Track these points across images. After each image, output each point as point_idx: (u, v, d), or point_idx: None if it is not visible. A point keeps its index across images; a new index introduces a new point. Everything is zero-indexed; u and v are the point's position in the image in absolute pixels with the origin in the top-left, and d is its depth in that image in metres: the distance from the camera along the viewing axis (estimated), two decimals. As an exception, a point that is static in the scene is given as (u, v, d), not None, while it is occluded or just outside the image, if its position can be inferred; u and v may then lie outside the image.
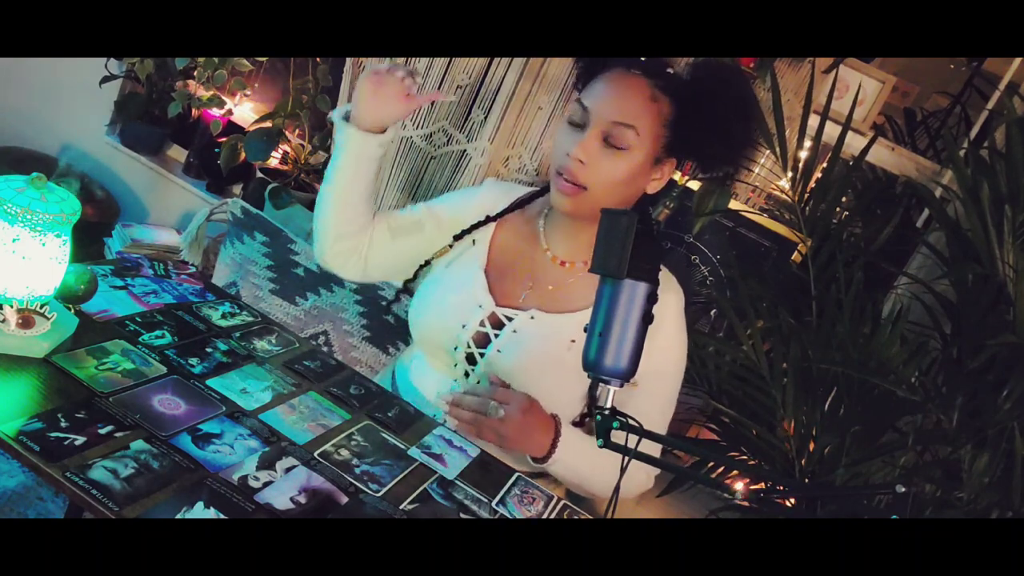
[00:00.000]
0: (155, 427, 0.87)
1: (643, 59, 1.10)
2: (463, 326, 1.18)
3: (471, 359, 1.18)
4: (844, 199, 1.86)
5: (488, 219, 1.25)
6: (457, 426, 1.13)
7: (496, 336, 1.16)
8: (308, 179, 2.50)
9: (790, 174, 1.74)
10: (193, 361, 1.04)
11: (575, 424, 1.20)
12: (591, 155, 1.08)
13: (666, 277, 1.21)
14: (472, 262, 1.22)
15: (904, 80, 2.37)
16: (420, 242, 1.28)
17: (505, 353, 1.15)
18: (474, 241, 1.25)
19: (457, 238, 1.25)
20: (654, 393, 1.18)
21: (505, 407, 1.07)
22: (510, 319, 1.17)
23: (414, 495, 0.95)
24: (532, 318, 1.17)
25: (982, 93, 2.11)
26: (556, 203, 1.13)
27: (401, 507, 0.92)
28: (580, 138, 1.08)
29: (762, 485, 1.65)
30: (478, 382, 1.18)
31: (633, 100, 1.08)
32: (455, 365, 1.19)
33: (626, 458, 0.82)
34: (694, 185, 2.01)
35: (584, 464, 1.13)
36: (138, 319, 1.09)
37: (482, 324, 1.17)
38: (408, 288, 1.34)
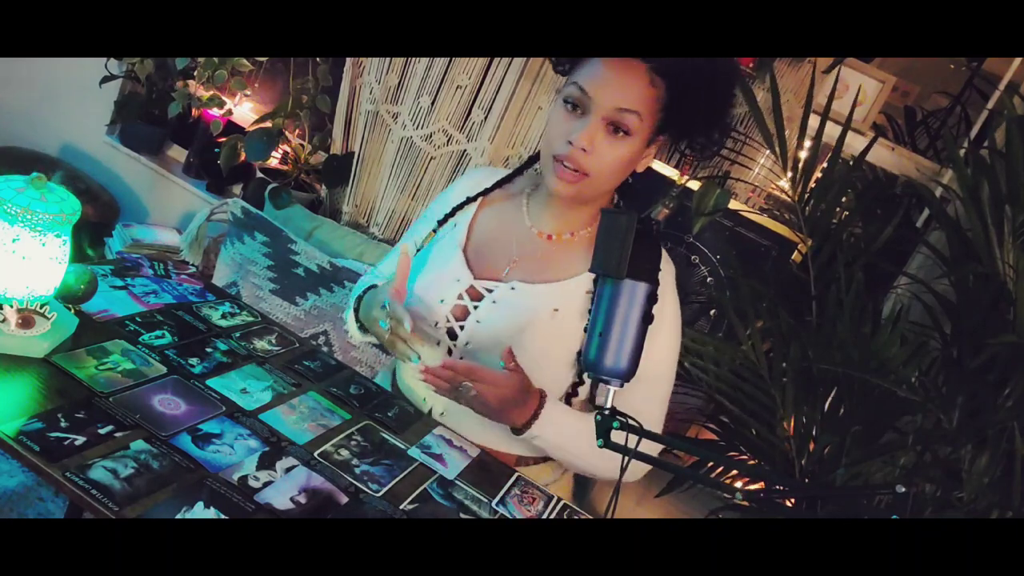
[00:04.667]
0: (155, 427, 0.87)
1: None
2: (441, 301, 1.18)
3: (452, 334, 1.18)
4: (844, 199, 1.86)
5: (468, 200, 1.26)
6: (435, 390, 1.09)
7: (476, 308, 1.16)
8: (308, 179, 2.50)
9: (790, 174, 1.74)
10: (193, 361, 1.04)
11: (568, 394, 1.19)
12: (595, 142, 1.08)
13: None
14: (451, 242, 1.23)
15: (904, 80, 2.37)
16: None
17: (485, 324, 1.15)
18: (455, 224, 1.25)
19: (441, 222, 1.26)
20: (652, 392, 1.18)
21: (478, 386, 1.04)
22: (490, 291, 1.17)
23: (414, 495, 0.95)
24: (513, 289, 1.17)
25: (982, 93, 2.11)
26: (556, 190, 1.12)
27: (401, 507, 0.92)
28: (581, 124, 1.08)
29: (762, 485, 1.65)
30: (461, 357, 1.17)
31: (635, 86, 1.07)
32: (438, 343, 1.19)
33: (627, 458, 0.81)
34: (694, 185, 2.01)
35: (566, 442, 1.12)
36: (138, 319, 1.09)
37: (460, 298, 1.17)
38: None
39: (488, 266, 1.20)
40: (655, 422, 1.19)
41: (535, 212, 1.22)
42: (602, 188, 1.14)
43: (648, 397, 1.17)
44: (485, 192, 1.26)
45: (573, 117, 1.09)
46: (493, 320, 1.15)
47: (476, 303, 1.17)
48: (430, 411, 1.21)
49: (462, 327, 1.17)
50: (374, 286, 1.27)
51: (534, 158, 1.28)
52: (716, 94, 1.10)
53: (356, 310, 1.27)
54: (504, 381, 1.06)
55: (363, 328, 1.26)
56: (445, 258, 1.22)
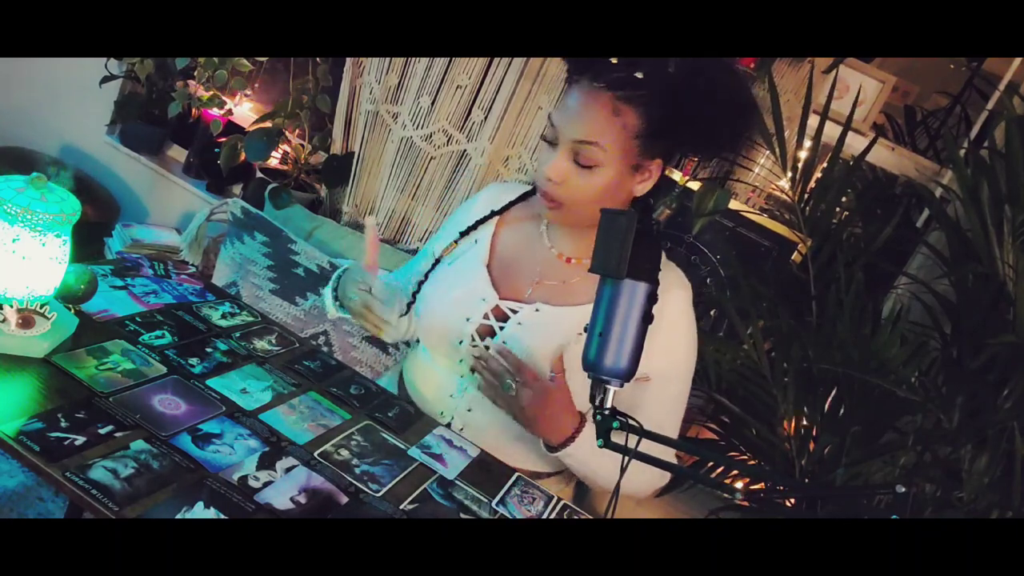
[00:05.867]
0: (155, 427, 0.87)
1: (614, 61, 1.06)
2: (467, 319, 1.18)
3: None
4: (844, 199, 1.86)
5: (493, 213, 1.25)
6: (479, 384, 1.13)
7: (501, 328, 1.17)
8: (308, 179, 2.50)
9: (790, 174, 1.74)
10: (193, 361, 1.04)
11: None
12: (562, 175, 1.08)
13: (673, 272, 1.20)
14: (474, 259, 1.23)
15: (904, 80, 2.37)
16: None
17: (511, 345, 1.15)
18: (476, 240, 1.25)
19: (463, 234, 1.26)
20: (662, 396, 1.18)
21: (523, 389, 1.07)
22: (515, 312, 1.17)
23: (414, 495, 0.95)
24: (537, 311, 1.17)
25: (982, 93, 2.11)
26: (547, 216, 1.16)
27: (401, 507, 0.92)
28: (551, 157, 1.09)
29: (762, 485, 1.65)
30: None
31: (595, 117, 1.05)
32: (460, 360, 1.19)
33: (626, 458, 0.81)
34: (694, 185, 2.01)
35: (597, 461, 1.14)
36: (138, 319, 1.09)
37: (486, 317, 1.18)
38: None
39: (511, 285, 1.20)
40: (669, 425, 1.19)
41: (554, 234, 1.22)
42: (584, 217, 1.10)
43: (659, 399, 1.17)
44: (506, 208, 1.26)
45: (549, 150, 1.10)
46: (518, 341, 1.15)
47: (502, 324, 1.17)
48: (449, 424, 1.21)
49: (487, 347, 1.17)
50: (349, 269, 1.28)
51: None
52: (716, 107, 1.04)
53: (335, 289, 1.28)
54: (548, 392, 1.08)
55: (343, 307, 1.26)
56: (469, 275, 1.21)
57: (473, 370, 1.15)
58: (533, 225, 1.24)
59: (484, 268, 1.21)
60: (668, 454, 1.17)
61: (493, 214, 1.26)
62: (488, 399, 1.14)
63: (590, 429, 1.12)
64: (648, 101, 1.05)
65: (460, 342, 1.18)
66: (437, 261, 1.27)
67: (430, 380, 1.25)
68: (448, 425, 1.20)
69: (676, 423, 1.21)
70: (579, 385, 1.12)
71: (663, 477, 1.25)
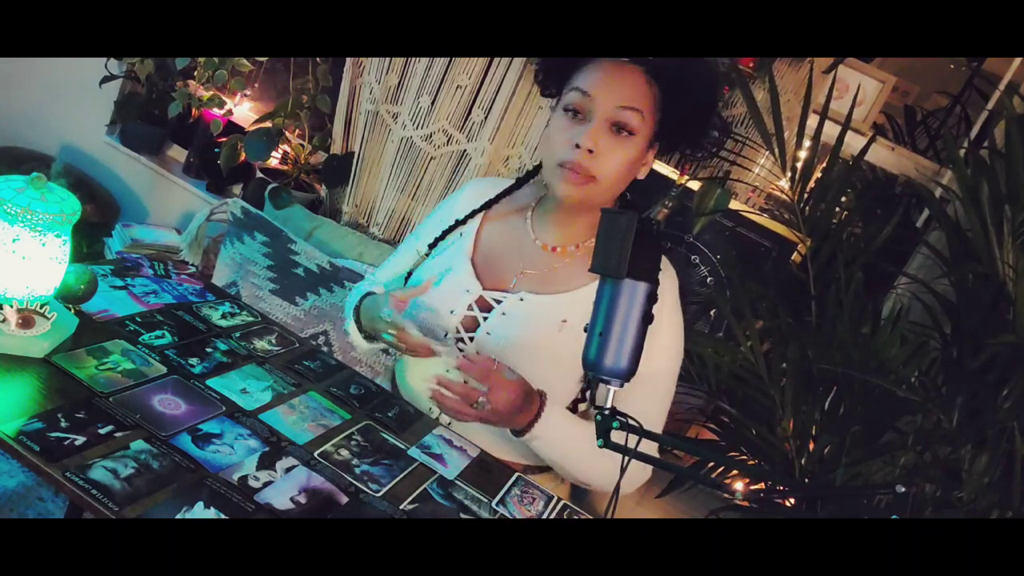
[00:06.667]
0: (155, 427, 0.87)
1: None
2: (451, 312, 1.18)
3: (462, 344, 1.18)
4: (844, 199, 1.86)
5: (473, 212, 1.26)
6: (439, 407, 1.09)
7: (485, 319, 1.17)
8: (308, 179, 2.50)
9: (789, 174, 1.74)
10: (193, 361, 1.04)
11: (577, 400, 1.19)
12: (600, 144, 1.09)
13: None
14: (459, 252, 1.24)
15: (904, 80, 2.37)
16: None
17: (495, 335, 1.16)
18: (461, 233, 1.26)
19: (446, 232, 1.27)
20: (653, 393, 1.18)
21: (491, 394, 1.04)
22: (499, 302, 1.18)
23: (414, 495, 0.95)
24: (522, 300, 1.17)
25: (982, 93, 2.11)
26: (563, 194, 1.12)
27: (401, 507, 0.92)
28: (584, 128, 1.09)
29: (762, 485, 1.65)
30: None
31: (634, 85, 1.10)
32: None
33: (626, 458, 0.81)
34: (694, 185, 2.01)
35: (565, 446, 1.13)
36: (138, 319, 1.09)
37: (470, 308, 1.18)
38: None
39: (496, 276, 1.21)
40: (655, 423, 1.19)
41: (539, 225, 1.23)
42: (607, 194, 1.14)
43: (648, 397, 1.17)
44: (489, 204, 1.27)
45: (575, 123, 1.11)
46: (503, 331, 1.16)
47: (486, 314, 1.17)
48: (437, 418, 1.20)
49: (472, 338, 1.17)
50: (371, 293, 1.28)
51: (535, 171, 1.29)
52: (704, 97, 1.13)
53: (357, 320, 1.28)
54: (512, 387, 1.06)
55: (368, 336, 1.27)
56: (454, 268, 1.22)
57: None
58: (518, 218, 1.26)
59: (468, 261, 1.22)
60: (653, 448, 1.18)
61: (477, 211, 1.26)
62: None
63: (552, 408, 1.11)
64: (664, 78, 1.12)
65: (445, 335, 1.19)
66: (423, 258, 1.28)
67: (419, 376, 1.26)
68: (436, 419, 1.20)
69: (663, 417, 1.21)
70: (557, 375, 1.13)
71: (645, 473, 1.24)
